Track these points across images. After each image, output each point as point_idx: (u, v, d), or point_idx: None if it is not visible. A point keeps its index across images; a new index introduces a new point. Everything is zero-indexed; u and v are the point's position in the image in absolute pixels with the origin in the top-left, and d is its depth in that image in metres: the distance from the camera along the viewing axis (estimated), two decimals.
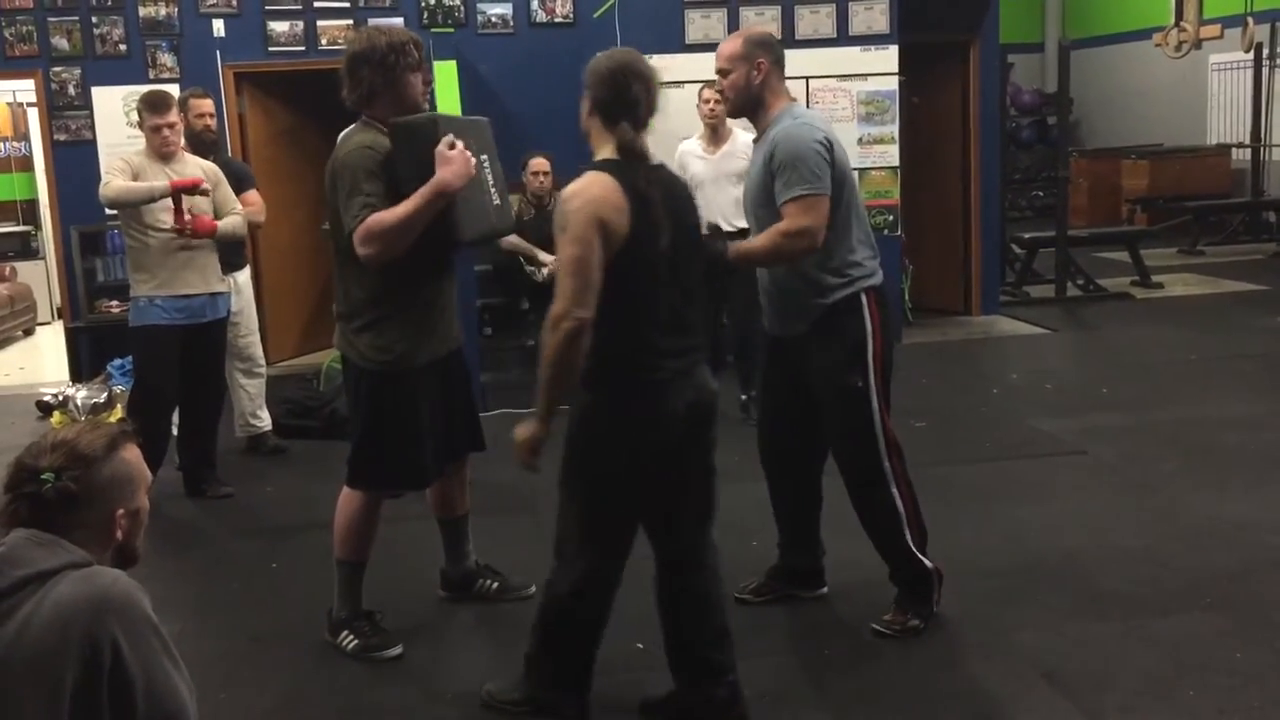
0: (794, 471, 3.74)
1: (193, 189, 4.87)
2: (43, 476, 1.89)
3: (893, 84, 7.81)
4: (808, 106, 7.68)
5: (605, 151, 2.95)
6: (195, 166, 5.07)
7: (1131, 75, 14.53)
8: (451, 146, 3.26)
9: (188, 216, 4.87)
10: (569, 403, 2.88)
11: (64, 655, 1.75)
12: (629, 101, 2.96)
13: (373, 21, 7.43)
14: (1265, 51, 11.80)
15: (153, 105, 4.97)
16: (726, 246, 3.48)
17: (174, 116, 5.00)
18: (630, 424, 2.86)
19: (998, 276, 9.14)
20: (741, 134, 6.13)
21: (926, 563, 3.55)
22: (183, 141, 5.11)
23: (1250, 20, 10.60)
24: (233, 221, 5.13)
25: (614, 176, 2.82)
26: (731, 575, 3.99)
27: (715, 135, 6.03)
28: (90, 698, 1.77)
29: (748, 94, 3.50)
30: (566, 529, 3.00)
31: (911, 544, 3.52)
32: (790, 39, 7.64)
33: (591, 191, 2.79)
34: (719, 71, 3.55)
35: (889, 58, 7.77)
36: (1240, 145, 12.58)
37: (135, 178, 4.91)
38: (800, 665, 3.45)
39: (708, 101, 5.99)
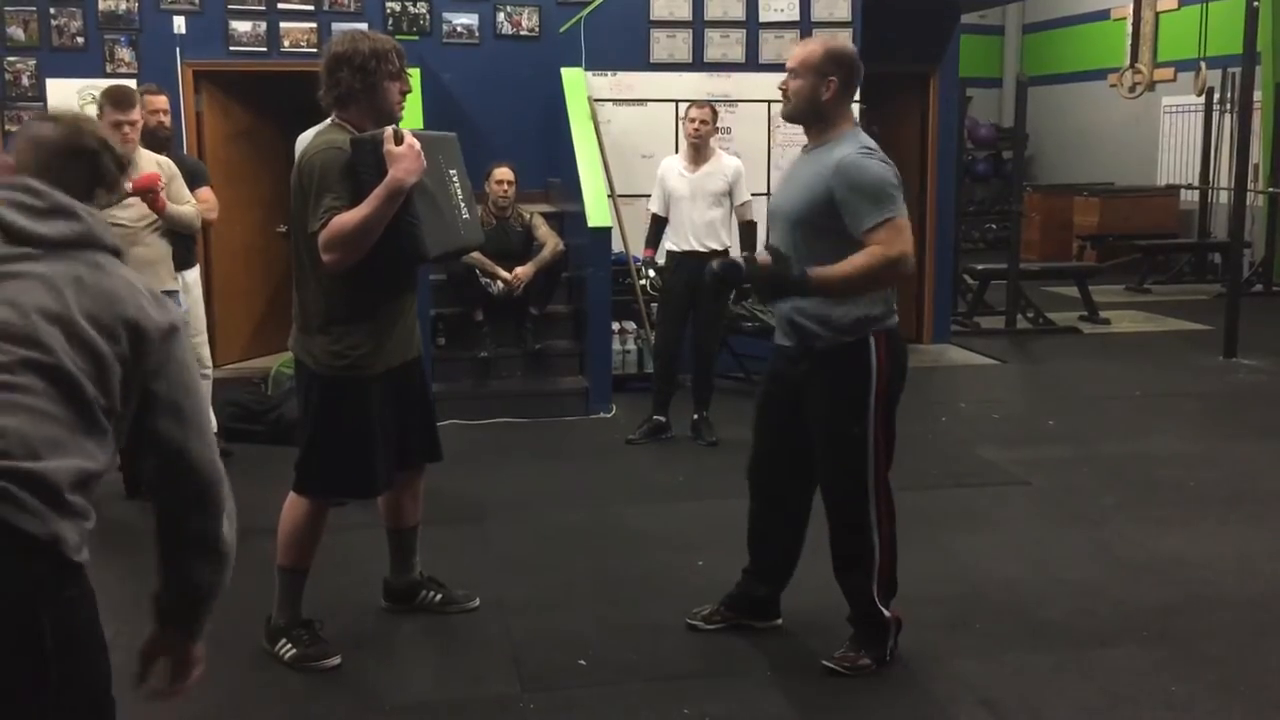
0: (784, 499, 3.62)
1: (150, 190, 4.82)
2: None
3: (854, 111, 7.87)
4: (768, 130, 7.77)
5: None
6: (149, 162, 5.01)
7: (1086, 114, 14.78)
8: (399, 141, 3.23)
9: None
10: None
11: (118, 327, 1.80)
12: None
13: (337, 26, 7.39)
14: (1216, 96, 12.06)
15: (117, 101, 4.91)
16: (802, 271, 3.21)
17: (137, 114, 4.96)
18: None
19: (950, 306, 9.24)
20: (726, 157, 6.17)
21: (886, 613, 3.49)
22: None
23: (1203, 65, 10.83)
24: (183, 210, 5.08)
25: None
26: (678, 595, 4.00)
27: (697, 154, 6.07)
28: (130, 380, 1.81)
29: (810, 106, 3.36)
30: None
31: (876, 595, 3.46)
32: (754, 63, 7.70)
33: None
34: (789, 70, 3.39)
35: None
36: (1189, 187, 12.83)
37: None
38: (739, 690, 3.45)
39: (693, 121, 6.02)
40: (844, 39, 3.46)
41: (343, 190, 3.24)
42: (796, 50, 3.44)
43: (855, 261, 3.19)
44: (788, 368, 3.49)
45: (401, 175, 3.20)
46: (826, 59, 3.34)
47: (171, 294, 5.12)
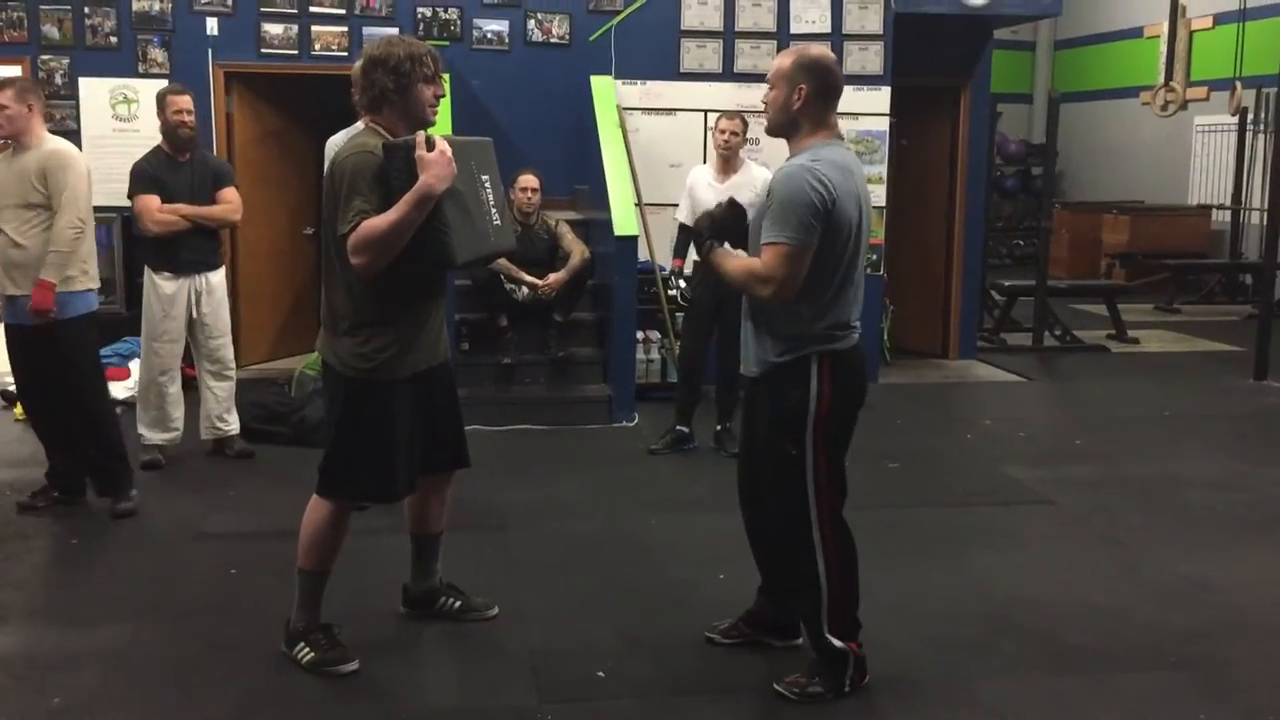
0: (757, 518, 3.60)
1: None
2: None
3: (883, 125, 7.85)
4: None
5: None
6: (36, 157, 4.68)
7: (1117, 132, 14.69)
8: (431, 146, 3.22)
9: None
10: None
11: None
12: None
13: (368, 31, 7.43)
14: (1250, 116, 11.95)
15: None
16: (712, 244, 3.44)
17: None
18: None
19: (976, 322, 9.18)
20: (756, 167, 6.15)
21: (838, 644, 3.37)
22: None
23: (1238, 84, 10.74)
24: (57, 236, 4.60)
25: None
26: (699, 608, 3.96)
27: (726, 165, 6.07)
28: None
29: (784, 115, 3.33)
30: None
31: (826, 628, 3.36)
32: None
33: None
34: (768, 82, 3.40)
35: (881, 99, 7.81)
36: (1221, 207, 12.71)
37: None
38: (759, 706, 3.41)
39: (723, 132, 6.01)
40: (821, 48, 3.44)
41: (372, 194, 3.24)
42: (774, 62, 3.43)
43: (744, 264, 3.34)
44: (748, 388, 3.53)
45: (432, 181, 3.20)
46: (796, 67, 3.32)
47: (85, 294, 4.78)
